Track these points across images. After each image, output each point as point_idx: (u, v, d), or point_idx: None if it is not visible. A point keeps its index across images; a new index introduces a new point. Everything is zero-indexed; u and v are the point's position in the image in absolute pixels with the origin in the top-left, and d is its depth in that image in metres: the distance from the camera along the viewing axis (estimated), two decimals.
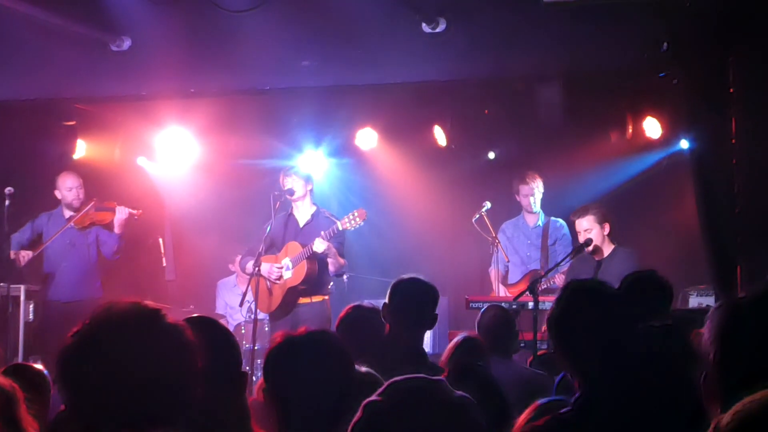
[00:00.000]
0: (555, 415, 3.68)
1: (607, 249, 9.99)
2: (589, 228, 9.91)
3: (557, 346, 3.99)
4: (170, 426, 2.55)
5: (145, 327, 2.58)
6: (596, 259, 9.97)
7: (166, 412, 2.54)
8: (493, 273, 11.21)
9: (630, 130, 11.51)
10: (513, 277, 11.24)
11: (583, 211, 10.03)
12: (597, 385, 3.68)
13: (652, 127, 11.33)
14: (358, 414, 2.60)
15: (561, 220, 11.23)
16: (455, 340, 6.49)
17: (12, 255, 10.88)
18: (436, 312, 6.01)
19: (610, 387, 3.66)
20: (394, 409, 2.58)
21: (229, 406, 3.40)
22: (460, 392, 2.64)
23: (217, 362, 3.12)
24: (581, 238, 9.96)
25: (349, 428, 2.61)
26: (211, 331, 3.48)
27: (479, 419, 2.62)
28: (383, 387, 2.64)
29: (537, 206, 11.25)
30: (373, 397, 2.62)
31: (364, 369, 4.02)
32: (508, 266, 11.21)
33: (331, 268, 10.03)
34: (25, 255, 10.90)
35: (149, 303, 2.65)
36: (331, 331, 3.73)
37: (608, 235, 9.98)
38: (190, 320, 3.34)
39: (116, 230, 11.03)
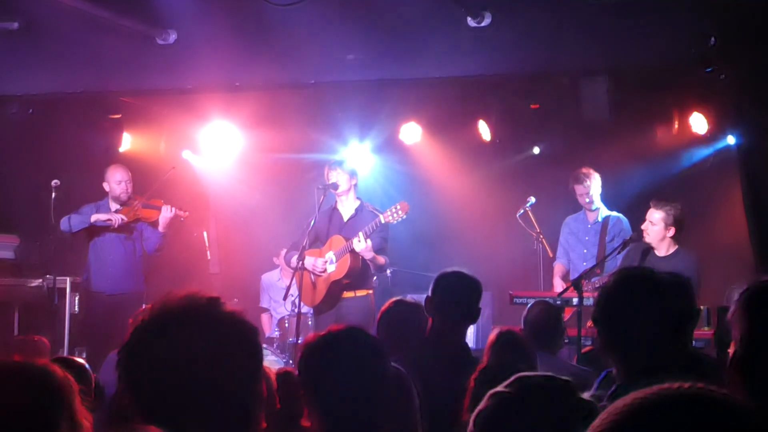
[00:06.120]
0: None
1: (669, 249, 9.51)
2: (654, 223, 9.43)
3: (604, 335, 3.92)
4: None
5: (201, 317, 2.55)
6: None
7: (227, 407, 2.51)
8: (556, 267, 10.98)
9: (676, 126, 11.40)
10: (572, 274, 10.86)
11: (661, 203, 9.48)
12: (637, 378, 3.60)
13: (698, 123, 11.20)
14: (484, 403, 2.64)
15: (621, 216, 10.88)
16: (491, 335, 6.46)
17: (106, 217, 10.97)
18: (480, 306, 6.00)
19: (647, 381, 3.61)
20: (522, 402, 2.63)
21: None
22: (586, 395, 2.71)
23: None
24: (644, 226, 9.48)
25: (473, 415, 2.65)
26: None
27: None
28: (511, 379, 2.68)
29: (596, 203, 10.85)
30: (501, 388, 2.66)
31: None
32: (569, 262, 10.97)
33: (371, 268, 10.04)
34: (120, 218, 10.98)
35: (204, 293, 2.62)
36: (366, 330, 3.73)
37: (672, 237, 9.49)
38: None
39: (160, 228, 11.09)
